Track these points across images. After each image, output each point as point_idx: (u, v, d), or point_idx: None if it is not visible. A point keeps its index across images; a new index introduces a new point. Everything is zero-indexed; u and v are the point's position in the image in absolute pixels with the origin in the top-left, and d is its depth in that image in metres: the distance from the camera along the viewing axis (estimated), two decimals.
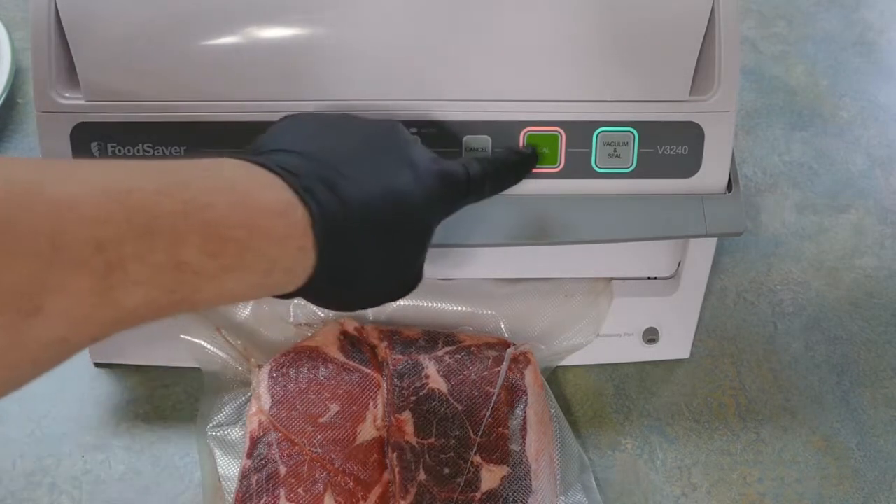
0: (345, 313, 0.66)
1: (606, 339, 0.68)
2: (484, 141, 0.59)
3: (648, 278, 0.68)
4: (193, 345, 0.64)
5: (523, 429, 0.61)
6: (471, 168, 0.52)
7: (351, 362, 0.63)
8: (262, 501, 0.57)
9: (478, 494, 0.58)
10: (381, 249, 0.47)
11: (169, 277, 0.38)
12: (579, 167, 0.60)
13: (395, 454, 0.59)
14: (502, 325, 0.67)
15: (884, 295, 0.75)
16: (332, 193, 0.44)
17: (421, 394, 0.61)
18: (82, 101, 0.58)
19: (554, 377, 0.68)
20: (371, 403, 0.61)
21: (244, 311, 0.66)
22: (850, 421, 0.67)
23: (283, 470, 0.58)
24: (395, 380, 0.62)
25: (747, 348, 0.71)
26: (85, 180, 0.37)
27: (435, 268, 0.67)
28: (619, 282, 0.68)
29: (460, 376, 0.62)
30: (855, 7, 0.97)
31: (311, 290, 0.45)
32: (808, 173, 0.82)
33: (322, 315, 0.66)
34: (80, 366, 0.67)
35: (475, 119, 0.59)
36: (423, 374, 0.62)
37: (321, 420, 0.60)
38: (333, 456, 0.59)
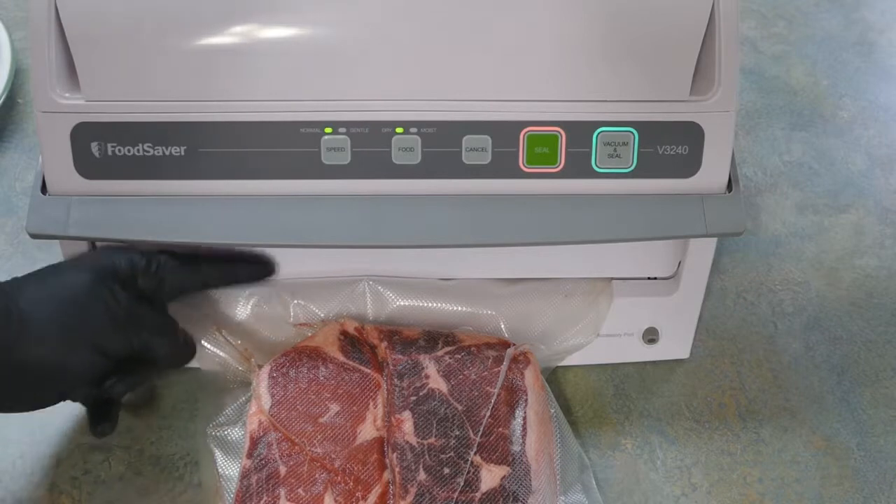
0: (344, 313, 0.66)
1: (606, 339, 0.68)
2: (484, 141, 0.59)
3: (648, 278, 0.68)
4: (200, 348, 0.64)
5: (523, 429, 0.61)
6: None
7: (351, 362, 0.63)
8: (262, 501, 0.57)
9: (478, 494, 0.58)
10: None
11: None
12: (579, 167, 0.60)
13: (395, 454, 0.59)
14: (502, 325, 0.67)
15: (884, 295, 0.75)
16: None
17: (421, 394, 0.61)
18: (82, 101, 0.58)
19: (554, 377, 0.68)
20: (371, 403, 0.61)
21: (244, 311, 0.66)
22: (850, 421, 0.67)
23: (283, 470, 0.58)
24: (395, 380, 0.62)
25: (747, 348, 0.71)
26: None
27: (435, 268, 0.67)
28: (619, 282, 0.68)
29: (460, 376, 0.62)
30: (855, 7, 0.97)
31: None
32: (808, 173, 0.82)
33: (322, 315, 0.66)
34: None
35: (475, 119, 0.59)
36: (423, 374, 0.62)
37: (321, 420, 0.60)
38: (333, 456, 0.59)
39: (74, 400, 0.60)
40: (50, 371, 0.55)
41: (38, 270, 0.58)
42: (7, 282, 0.57)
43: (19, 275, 0.72)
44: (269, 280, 0.65)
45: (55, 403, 0.58)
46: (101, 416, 0.61)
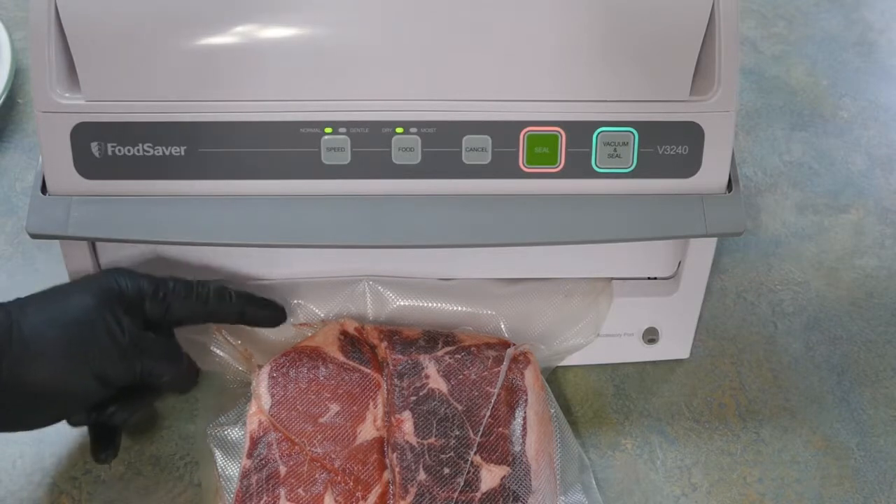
0: (344, 313, 0.66)
1: (606, 339, 0.68)
2: (484, 141, 0.59)
3: (648, 278, 0.68)
4: (193, 345, 0.64)
5: (523, 429, 0.61)
6: None
7: (351, 362, 0.63)
8: (262, 501, 0.57)
9: (478, 494, 0.58)
10: None
11: None
12: (579, 167, 0.60)
13: (395, 454, 0.59)
14: (502, 325, 0.67)
15: (884, 295, 0.75)
16: None
17: (421, 394, 0.61)
18: (82, 101, 0.58)
19: (554, 377, 0.68)
20: (371, 403, 0.61)
21: None
22: (850, 421, 0.67)
23: (283, 470, 0.58)
24: (395, 380, 0.62)
25: (747, 348, 0.71)
26: None
27: (435, 268, 0.67)
28: (619, 282, 0.68)
29: (460, 376, 0.62)
30: (855, 7, 0.97)
31: None
32: (808, 173, 0.82)
33: (322, 315, 0.66)
34: None
35: (475, 119, 0.59)
36: (423, 374, 0.62)
37: (321, 420, 0.60)
38: (333, 456, 0.59)
39: (74, 425, 0.60)
40: (50, 395, 0.55)
41: (43, 291, 0.58)
42: (10, 302, 0.56)
43: (19, 275, 0.72)
44: (275, 324, 0.65)
45: (51, 424, 0.58)
46: (103, 442, 0.60)
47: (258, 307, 0.63)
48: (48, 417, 0.57)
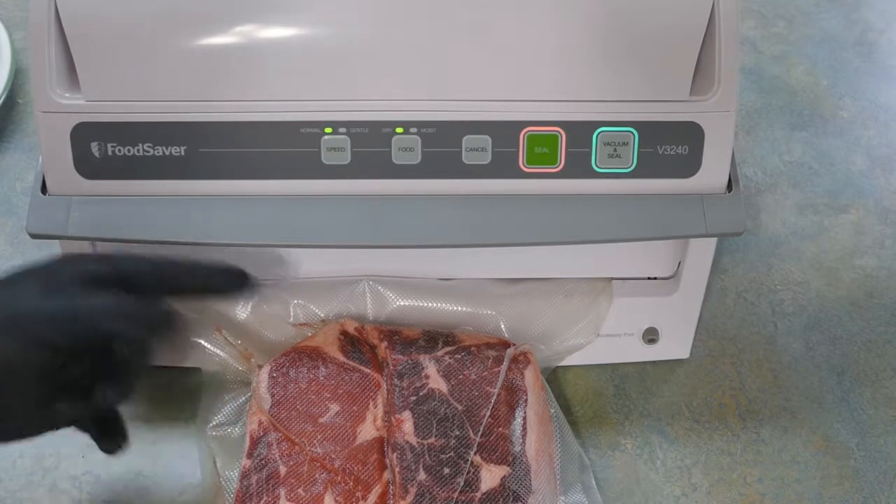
0: (344, 313, 0.66)
1: (606, 339, 0.68)
2: (484, 141, 0.59)
3: (648, 278, 0.68)
4: (193, 345, 0.64)
5: (523, 429, 0.61)
6: None
7: (351, 362, 0.63)
8: (262, 501, 0.57)
9: (478, 494, 0.58)
10: None
11: None
12: (579, 167, 0.60)
13: (395, 454, 0.59)
14: (502, 325, 0.67)
15: (884, 295, 0.75)
16: None
17: (421, 394, 0.61)
18: (82, 101, 0.58)
19: (554, 377, 0.68)
20: (371, 403, 0.61)
21: (244, 311, 0.66)
22: (850, 421, 0.67)
23: (283, 470, 0.58)
24: (395, 380, 0.62)
25: (747, 348, 0.71)
26: None
27: (435, 268, 0.67)
28: (619, 282, 0.68)
29: (460, 376, 0.62)
30: (855, 7, 0.97)
31: None
32: (808, 173, 0.82)
33: (322, 315, 0.66)
34: None
35: (475, 119, 0.59)
36: (423, 374, 0.62)
37: (321, 420, 0.60)
38: (333, 456, 0.59)
39: (71, 421, 0.54)
40: (7, 381, 0.49)
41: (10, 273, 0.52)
42: None
43: None
44: (245, 295, 0.57)
45: (39, 420, 0.53)
46: (108, 435, 0.56)
47: (220, 279, 0.55)
48: (23, 411, 0.51)
